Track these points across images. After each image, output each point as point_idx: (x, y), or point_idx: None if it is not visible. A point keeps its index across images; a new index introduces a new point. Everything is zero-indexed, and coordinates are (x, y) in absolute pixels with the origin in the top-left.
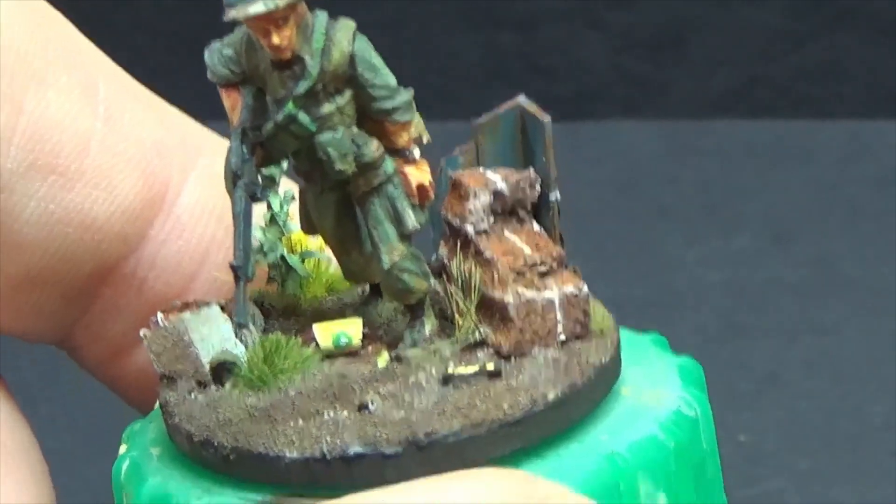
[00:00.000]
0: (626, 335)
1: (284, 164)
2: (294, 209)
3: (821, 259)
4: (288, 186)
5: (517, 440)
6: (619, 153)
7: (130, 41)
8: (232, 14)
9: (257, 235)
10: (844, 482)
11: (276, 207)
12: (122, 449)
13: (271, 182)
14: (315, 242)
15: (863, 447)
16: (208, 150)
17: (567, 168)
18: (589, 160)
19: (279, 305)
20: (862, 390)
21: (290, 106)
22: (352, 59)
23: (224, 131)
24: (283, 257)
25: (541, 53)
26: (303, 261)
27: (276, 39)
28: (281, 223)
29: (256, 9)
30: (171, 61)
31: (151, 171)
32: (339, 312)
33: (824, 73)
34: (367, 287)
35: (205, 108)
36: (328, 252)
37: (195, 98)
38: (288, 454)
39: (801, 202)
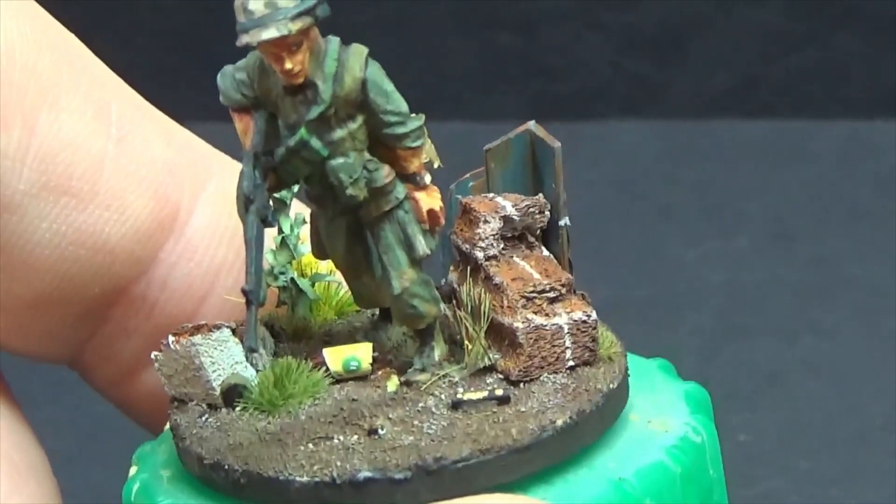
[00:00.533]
0: (633, 361)
1: (295, 188)
2: (305, 232)
3: (821, 259)
4: (299, 209)
5: (525, 466)
6: (619, 153)
7: (131, 42)
8: (245, 39)
9: (268, 258)
10: (844, 482)
11: (286, 230)
12: (133, 470)
13: (282, 205)
14: (325, 265)
15: (863, 447)
16: (218, 171)
17: (567, 168)
18: (589, 160)
19: (289, 328)
20: (862, 390)
21: (302, 131)
22: (364, 85)
23: (221, 133)
24: (293, 280)
25: (541, 53)
26: (313, 284)
27: (288, 65)
28: (291, 246)
29: (270, 34)
30: (171, 61)
31: (163, 193)
32: (349, 336)
33: (824, 73)
34: (378, 311)
35: (204, 109)
36: (338, 275)
37: (195, 98)
38: (298, 478)
39: (801, 202)
